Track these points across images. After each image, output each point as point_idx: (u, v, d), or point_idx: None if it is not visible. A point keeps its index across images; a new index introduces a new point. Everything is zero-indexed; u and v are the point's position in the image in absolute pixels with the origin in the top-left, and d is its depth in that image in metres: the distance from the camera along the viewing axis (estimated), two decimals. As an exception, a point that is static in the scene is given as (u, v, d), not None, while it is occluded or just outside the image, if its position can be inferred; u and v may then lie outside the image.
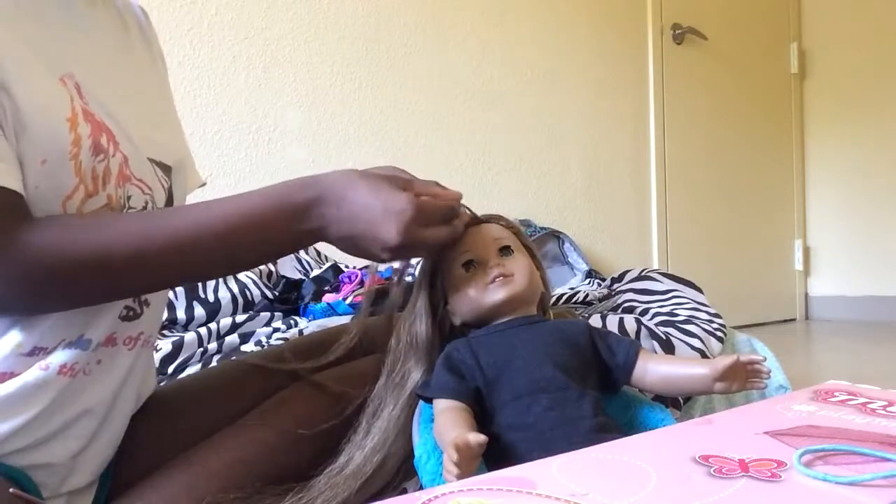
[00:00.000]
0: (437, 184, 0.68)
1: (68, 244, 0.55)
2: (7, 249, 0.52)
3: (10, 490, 0.54)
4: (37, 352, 0.58)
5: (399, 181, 0.63)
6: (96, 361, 0.62)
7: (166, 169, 0.72)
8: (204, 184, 0.88)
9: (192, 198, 0.87)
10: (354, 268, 1.61)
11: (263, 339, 1.21)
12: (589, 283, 1.95)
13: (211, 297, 1.35)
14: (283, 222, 0.61)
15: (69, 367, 0.60)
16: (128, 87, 0.71)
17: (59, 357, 0.59)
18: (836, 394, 0.58)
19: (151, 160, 0.68)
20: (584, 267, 2.21)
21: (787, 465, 0.42)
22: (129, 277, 0.58)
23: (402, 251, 0.63)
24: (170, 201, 0.72)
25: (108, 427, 0.66)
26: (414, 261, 0.78)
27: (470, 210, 0.74)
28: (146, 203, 0.66)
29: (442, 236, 0.65)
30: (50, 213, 0.57)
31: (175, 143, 0.77)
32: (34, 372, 0.58)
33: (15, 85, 0.54)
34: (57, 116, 0.56)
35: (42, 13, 0.62)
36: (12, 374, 0.57)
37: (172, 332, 1.30)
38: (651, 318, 1.21)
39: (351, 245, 0.63)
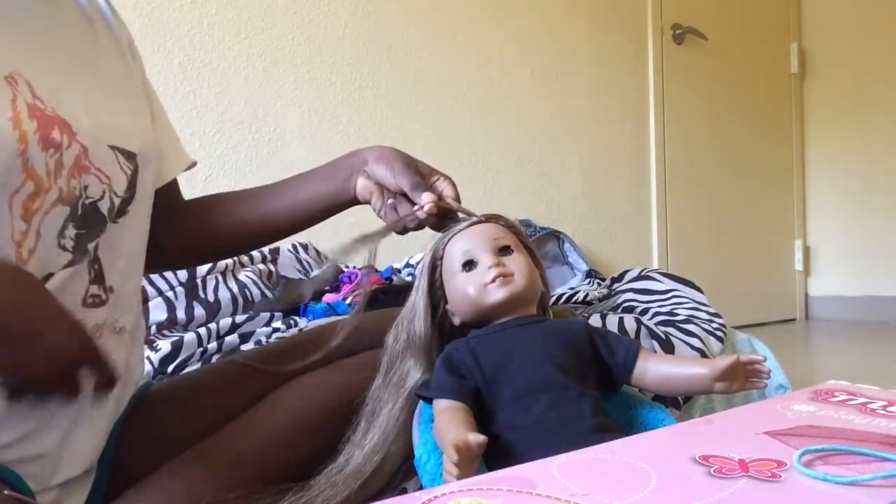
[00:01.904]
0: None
1: None
2: None
3: (6, 493, 0.54)
4: None
5: None
6: None
7: (130, 155, 0.70)
8: (194, 163, 0.87)
9: (185, 179, 0.87)
10: (354, 268, 1.61)
11: (263, 339, 1.21)
12: (589, 282, 1.95)
13: (211, 297, 1.35)
14: None
15: None
16: (89, 76, 0.71)
17: None
18: (836, 394, 0.58)
19: (114, 147, 0.68)
20: (584, 267, 2.21)
21: (787, 465, 0.42)
22: None
23: None
24: (131, 187, 0.71)
25: (91, 413, 0.65)
26: (414, 260, 0.79)
27: (469, 211, 0.74)
28: (104, 192, 0.66)
29: None
30: None
31: (142, 129, 0.76)
32: None
33: None
34: None
35: None
36: None
37: (172, 332, 1.29)
38: (651, 318, 1.21)
39: None
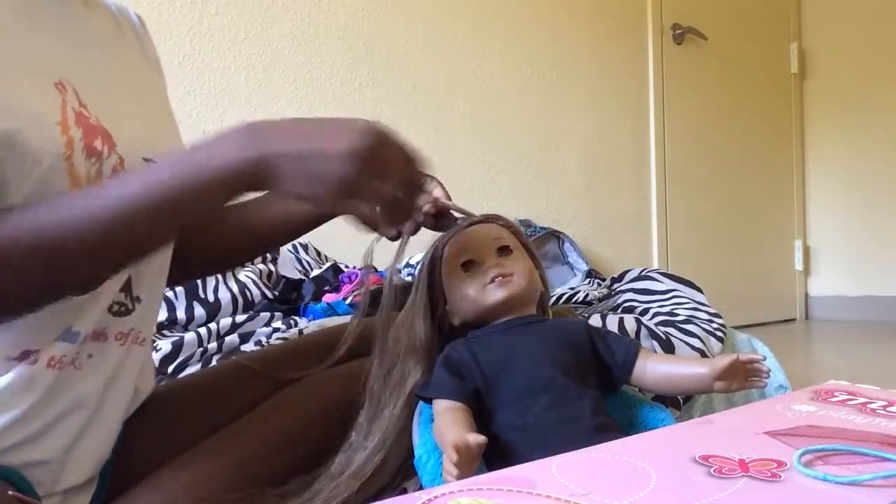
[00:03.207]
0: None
1: (17, 230, 0.52)
2: None
3: (10, 493, 0.54)
4: (28, 354, 0.58)
5: None
6: (87, 355, 0.63)
7: None
8: None
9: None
10: (354, 268, 1.61)
11: (263, 339, 1.21)
12: (589, 282, 1.95)
13: (211, 297, 1.35)
14: (218, 150, 0.55)
15: (57, 360, 0.60)
16: (123, 88, 0.72)
17: (48, 351, 0.59)
18: (836, 394, 0.58)
19: (148, 160, 0.69)
20: (584, 267, 2.21)
21: (787, 465, 0.42)
22: (78, 255, 0.54)
23: (363, 168, 0.54)
24: None
25: (100, 421, 0.66)
26: (414, 260, 0.78)
27: (467, 211, 0.74)
28: None
29: (405, 176, 0.59)
30: None
31: (170, 143, 0.77)
32: (22, 367, 0.58)
33: (5, 99, 0.55)
34: (48, 122, 0.57)
35: (36, 21, 0.63)
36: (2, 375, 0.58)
37: (172, 332, 1.29)
38: (651, 318, 1.21)
39: (301, 171, 0.55)
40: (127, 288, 0.66)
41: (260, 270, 1.50)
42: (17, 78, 0.57)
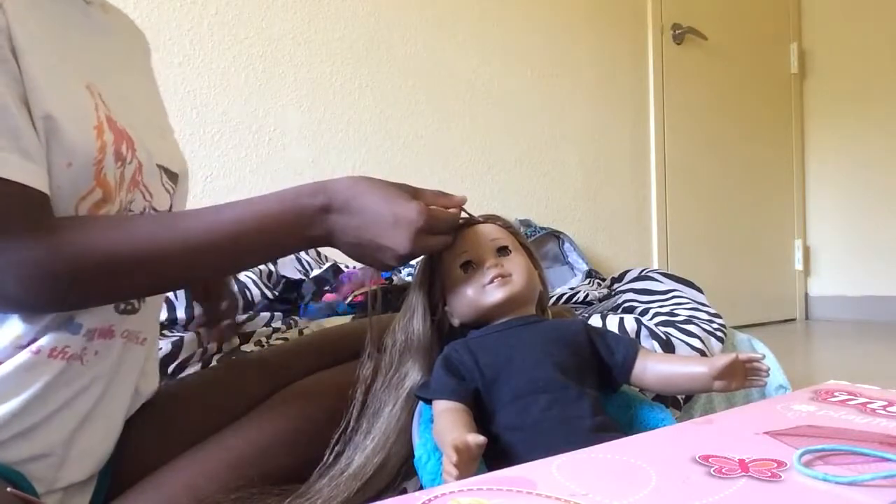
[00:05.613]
0: (442, 193, 0.71)
1: (88, 243, 0.57)
2: (32, 249, 0.55)
3: (8, 489, 0.54)
4: (33, 343, 0.59)
5: (408, 189, 0.66)
6: (94, 352, 0.63)
7: (173, 176, 0.74)
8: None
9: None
10: (354, 268, 1.61)
11: (263, 339, 1.21)
12: (589, 283, 1.95)
13: (211, 297, 1.35)
14: (292, 228, 0.64)
15: (60, 351, 0.60)
16: (138, 97, 0.75)
17: (49, 340, 0.60)
18: (836, 394, 0.58)
19: (160, 166, 0.71)
20: (584, 267, 2.21)
21: (787, 465, 0.42)
22: (139, 276, 0.61)
23: (409, 259, 0.65)
24: (170, 208, 0.74)
25: (100, 417, 0.66)
26: (415, 261, 0.78)
27: (466, 212, 0.74)
28: (144, 208, 0.68)
29: (443, 243, 0.68)
30: (64, 211, 0.59)
31: (178, 151, 0.80)
32: (24, 355, 0.58)
33: (48, 94, 0.57)
34: (85, 125, 0.59)
35: (68, 24, 0.65)
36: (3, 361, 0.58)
37: (172, 332, 1.29)
38: (651, 318, 1.21)
39: (358, 252, 0.66)
40: None
41: (260, 270, 1.50)
42: (58, 81, 0.59)
